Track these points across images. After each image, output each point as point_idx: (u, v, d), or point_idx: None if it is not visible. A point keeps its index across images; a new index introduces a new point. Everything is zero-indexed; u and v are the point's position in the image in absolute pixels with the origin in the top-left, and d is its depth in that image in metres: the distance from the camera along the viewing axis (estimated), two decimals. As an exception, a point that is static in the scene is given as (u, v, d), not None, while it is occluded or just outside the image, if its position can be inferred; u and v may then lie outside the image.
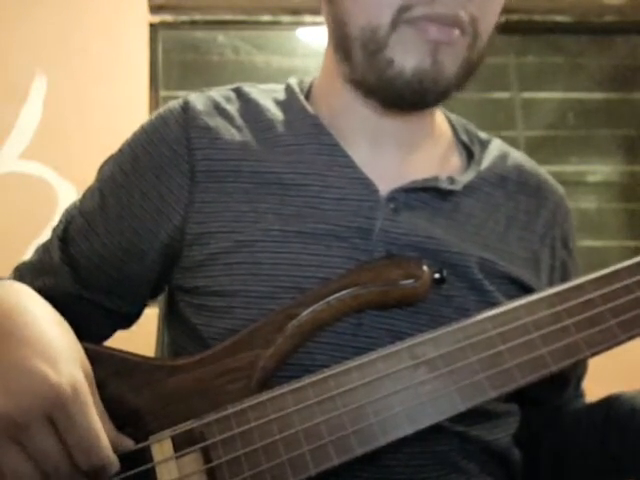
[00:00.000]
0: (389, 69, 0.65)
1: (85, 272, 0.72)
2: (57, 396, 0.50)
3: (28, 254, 0.76)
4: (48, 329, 0.55)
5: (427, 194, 0.70)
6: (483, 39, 0.66)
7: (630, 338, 0.61)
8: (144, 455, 0.56)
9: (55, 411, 0.50)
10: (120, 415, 0.57)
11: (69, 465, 0.51)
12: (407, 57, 0.64)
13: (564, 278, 0.76)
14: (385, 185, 0.69)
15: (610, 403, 0.71)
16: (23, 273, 0.74)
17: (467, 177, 0.72)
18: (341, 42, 0.69)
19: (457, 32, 0.64)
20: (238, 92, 0.76)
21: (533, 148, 2.11)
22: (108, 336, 0.76)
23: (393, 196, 0.68)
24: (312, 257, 0.65)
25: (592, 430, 0.71)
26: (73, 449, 0.50)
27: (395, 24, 0.63)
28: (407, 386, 0.57)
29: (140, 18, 2.00)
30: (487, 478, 0.67)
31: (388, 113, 0.71)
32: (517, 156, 0.80)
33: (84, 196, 0.75)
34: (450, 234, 0.69)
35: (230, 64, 2.12)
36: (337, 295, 0.62)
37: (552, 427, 0.76)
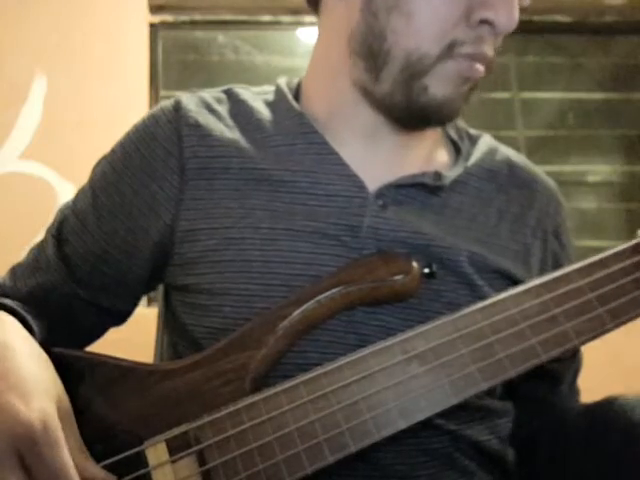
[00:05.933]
0: (422, 95, 0.66)
1: (79, 270, 0.72)
2: (26, 433, 0.49)
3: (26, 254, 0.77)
4: (25, 362, 0.55)
5: (415, 190, 0.70)
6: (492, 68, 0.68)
7: (618, 325, 0.61)
8: (139, 460, 0.55)
9: (24, 448, 0.49)
10: (114, 421, 0.57)
11: None
12: (441, 87, 0.66)
13: (556, 270, 0.76)
14: (374, 182, 0.69)
15: (608, 406, 0.69)
16: (17, 273, 0.74)
17: (455, 172, 0.73)
18: (372, 54, 0.67)
19: (483, 68, 0.66)
20: (229, 93, 0.77)
21: (533, 148, 2.11)
22: (100, 334, 0.76)
23: (381, 192, 0.69)
24: (302, 255, 0.65)
25: (589, 435, 0.70)
26: None
27: (442, 56, 0.64)
28: (400, 381, 0.57)
29: (140, 18, 2.00)
30: (483, 475, 0.67)
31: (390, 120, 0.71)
32: (507, 151, 0.80)
33: (77, 195, 0.75)
34: (439, 229, 0.69)
35: (230, 64, 2.12)
36: (327, 294, 0.62)
37: (548, 430, 0.76)
